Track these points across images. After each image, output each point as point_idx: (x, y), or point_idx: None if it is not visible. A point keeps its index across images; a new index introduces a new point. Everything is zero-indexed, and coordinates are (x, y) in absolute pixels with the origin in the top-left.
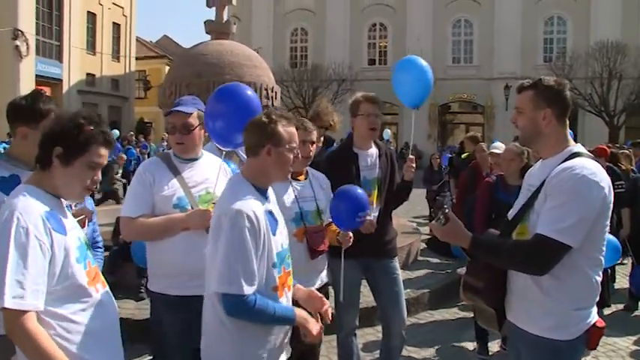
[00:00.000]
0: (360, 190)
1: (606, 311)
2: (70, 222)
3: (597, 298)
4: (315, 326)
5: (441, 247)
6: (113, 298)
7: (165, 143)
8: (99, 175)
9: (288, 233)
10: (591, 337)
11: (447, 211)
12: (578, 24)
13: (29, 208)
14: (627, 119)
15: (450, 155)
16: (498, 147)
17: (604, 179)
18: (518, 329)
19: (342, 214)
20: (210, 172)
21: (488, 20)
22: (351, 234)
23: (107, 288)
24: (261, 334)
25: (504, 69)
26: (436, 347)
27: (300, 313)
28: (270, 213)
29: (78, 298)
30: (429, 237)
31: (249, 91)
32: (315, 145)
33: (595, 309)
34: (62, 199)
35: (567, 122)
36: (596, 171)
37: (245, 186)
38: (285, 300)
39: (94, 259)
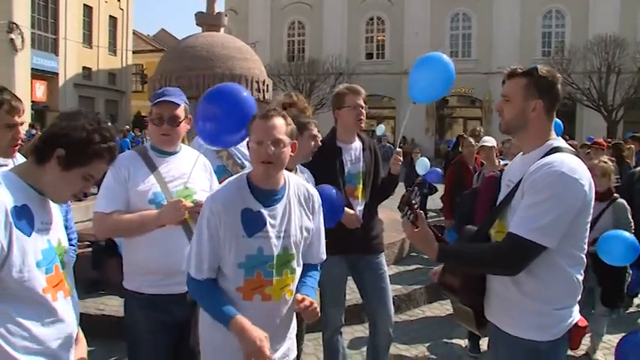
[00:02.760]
0: (333, 190)
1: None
2: (45, 220)
3: (579, 297)
4: (250, 347)
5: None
6: (75, 309)
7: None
8: (90, 187)
9: None
10: (573, 337)
11: (416, 207)
12: (576, 18)
13: None
14: (625, 113)
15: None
16: (488, 141)
17: (584, 176)
18: (499, 330)
19: None
20: (189, 167)
21: (487, 14)
22: None
23: (70, 297)
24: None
25: (503, 63)
26: (427, 344)
27: (239, 323)
28: (255, 214)
29: (30, 302)
30: None
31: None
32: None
33: (577, 308)
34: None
35: (554, 116)
36: (576, 167)
37: (236, 181)
38: (256, 307)
39: (67, 261)
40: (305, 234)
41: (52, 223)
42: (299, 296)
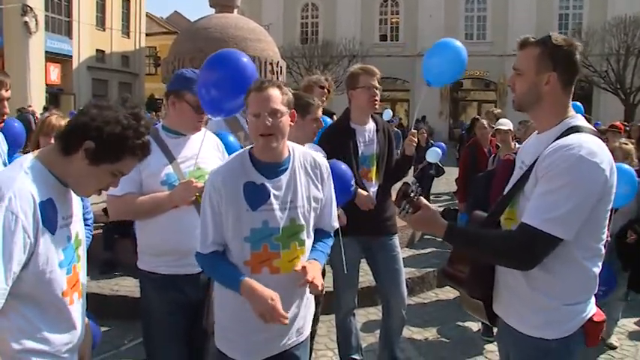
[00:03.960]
0: (343, 166)
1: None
2: (66, 214)
3: (595, 291)
4: (259, 305)
5: None
6: (84, 308)
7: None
8: (117, 183)
9: None
10: (588, 334)
11: (416, 198)
12: None
13: (25, 191)
14: None
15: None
16: (504, 123)
17: (605, 159)
18: (507, 325)
19: None
20: (202, 148)
21: None
22: (342, 212)
23: (83, 298)
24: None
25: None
26: (440, 327)
27: (248, 285)
28: (259, 187)
29: (46, 306)
30: None
31: (245, 58)
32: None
33: (592, 301)
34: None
35: (571, 90)
36: (596, 150)
37: (239, 156)
38: (265, 280)
39: (82, 256)
40: (314, 204)
41: (72, 216)
42: (305, 264)
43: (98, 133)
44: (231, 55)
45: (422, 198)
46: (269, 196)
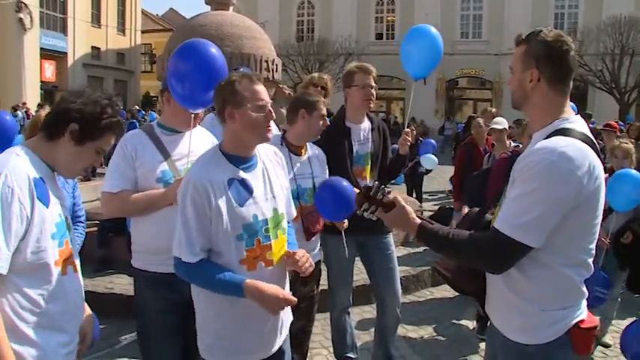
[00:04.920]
0: (345, 183)
1: None
2: (56, 195)
3: (583, 297)
4: (271, 303)
5: (443, 223)
6: (82, 285)
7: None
8: (100, 161)
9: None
10: (575, 341)
11: (385, 197)
12: None
13: (19, 168)
14: (638, 96)
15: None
16: (499, 122)
17: (583, 166)
18: (493, 326)
19: (327, 206)
20: (196, 145)
21: None
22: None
23: (79, 274)
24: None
25: (513, 44)
26: (435, 326)
27: (252, 286)
28: (241, 182)
29: (41, 275)
30: (431, 212)
31: (213, 49)
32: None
33: (582, 306)
34: (55, 172)
35: (565, 90)
36: (574, 155)
37: (212, 155)
38: (261, 275)
39: (74, 238)
40: (285, 191)
41: (62, 200)
42: (289, 251)
43: (80, 115)
44: (199, 45)
45: (397, 196)
46: (252, 190)
